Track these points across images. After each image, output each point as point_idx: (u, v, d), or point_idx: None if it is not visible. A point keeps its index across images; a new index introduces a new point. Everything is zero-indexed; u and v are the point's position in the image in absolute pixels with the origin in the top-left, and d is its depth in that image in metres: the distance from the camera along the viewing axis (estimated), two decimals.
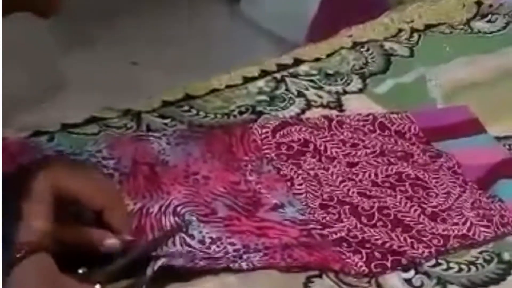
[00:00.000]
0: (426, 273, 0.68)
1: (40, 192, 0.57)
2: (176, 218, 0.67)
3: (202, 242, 0.66)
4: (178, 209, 0.68)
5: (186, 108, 0.81)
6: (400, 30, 0.98)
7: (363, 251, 0.68)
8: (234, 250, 0.66)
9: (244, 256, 0.65)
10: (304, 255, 0.66)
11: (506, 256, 0.70)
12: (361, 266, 0.67)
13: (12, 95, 1.32)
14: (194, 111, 0.81)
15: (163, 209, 0.68)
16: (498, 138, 0.84)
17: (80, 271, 0.60)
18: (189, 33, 2.05)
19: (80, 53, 1.90)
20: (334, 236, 0.69)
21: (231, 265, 0.64)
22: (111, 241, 0.60)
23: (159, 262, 0.61)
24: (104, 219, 0.61)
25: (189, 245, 0.66)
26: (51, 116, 0.80)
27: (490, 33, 1.01)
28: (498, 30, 1.01)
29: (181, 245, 0.65)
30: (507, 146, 0.84)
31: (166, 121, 0.79)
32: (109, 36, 1.98)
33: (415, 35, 0.97)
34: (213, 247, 0.66)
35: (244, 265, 0.64)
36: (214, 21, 2.11)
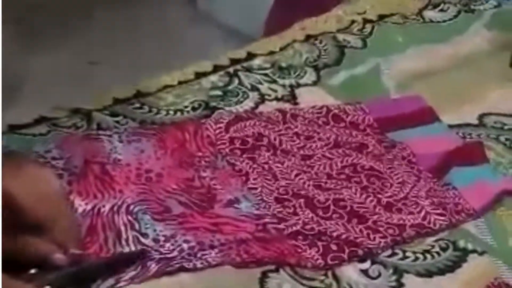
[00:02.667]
0: (382, 263, 0.68)
1: None
2: (138, 244, 0.64)
3: (156, 240, 0.65)
4: (131, 207, 0.67)
5: (137, 105, 0.80)
6: (353, 22, 0.98)
7: (319, 244, 0.67)
8: (189, 248, 0.65)
9: (199, 254, 0.64)
10: (260, 250, 0.66)
11: (461, 244, 0.71)
12: (317, 259, 0.66)
13: None
14: (146, 108, 0.80)
15: (115, 208, 0.67)
16: (452, 126, 0.85)
17: (32, 271, 0.58)
18: (147, 30, 2.03)
19: (37, 53, 1.86)
20: (290, 230, 0.68)
21: (185, 264, 0.63)
22: (59, 257, 0.59)
23: (106, 284, 0.60)
24: (48, 231, 0.59)
25: (143, 244, 0.64)
26: (5, 118, 0.78)
27: (443, 22, 1.01)
28: (450, 19, 1.02)
29: (135, 244, 0.64)
30: (461, 134, 0.84)
31: (117, 119, 0.77)
32: (66, 36, 1.95)
33: (368, 26, 0.98)
34: (167, 245, 0.65)
35: (198, 263, 0.63)
36: (172, 17, 2.10)
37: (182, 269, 0.63)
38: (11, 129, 0.74)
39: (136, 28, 2.02)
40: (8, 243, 0.55)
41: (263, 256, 0.65)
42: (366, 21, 0.98)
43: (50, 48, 1.90)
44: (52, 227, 0.59)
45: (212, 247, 0.65)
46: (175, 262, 0.63)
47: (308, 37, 0.95)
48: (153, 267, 0.63)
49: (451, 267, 0.68)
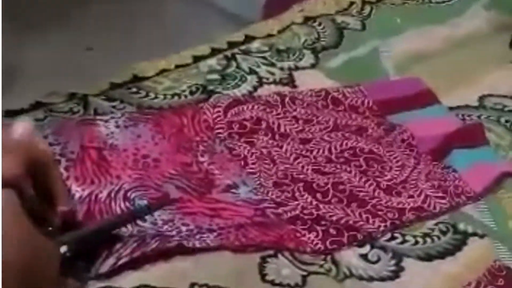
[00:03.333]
0: (382, 248, 0.67)
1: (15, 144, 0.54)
2: (135, 227, 0.64)
3: (154, 223, 0.64)
4: (129, 193, 0.66)
5: (134, 90, 0.79)
6: (351, 3, 0.97)
7: (318, 228, 0.67)
8: (187, 230, 0.64)
9: (197, 236, 0.64)
10: (259, 235, 0.65)
11: (461, 227, 0.70)
12: (316, 244, 0.66)
13: None
14: (143, 93, 0.79)
15: (113, 194, 0.66)
16: (451, 108, 0.84)
17: (50, 228, 0.58)
18: (143, 15, 2.02)
19: (33, 40, 1.85)
20: (289, 215, 0.68)
21: (184, 242, 0.62)
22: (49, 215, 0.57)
23: (107, 265, 0.60)
24: (39, 187, 0.57)
25: (141, 227, 0.64)
26: (3, 104, 0.78)
27: (442, 2, 1.00)
28: (449, 0, 1.01)
29: (132, 228, 0.64)
30: (461, 116, 0.84)
31: (114, 103, 0.77)
32: (62, 22, 1.94)
33: (367, 8, 0.97)
34: (165, 227, 0.64)
35: (197, 243, 0.63)
36: (170, 2, 2.08)
37: (181, 247, 0.62)
38: (7, 114, 0.73)
39: (133, 13, 2.01)
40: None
41: (262, 241, 0.65)
42: (365, 2, 0.97)
43: (46, 36, 1.89)
44: (43, 184, 0.57)
45: (210, 230, 0.64)
46: (174, 239, 0.63)
47: (306, 19, 0.94)
48: (153, 242, 0.62)
49: (452, 250, 0.68)
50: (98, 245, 0.61)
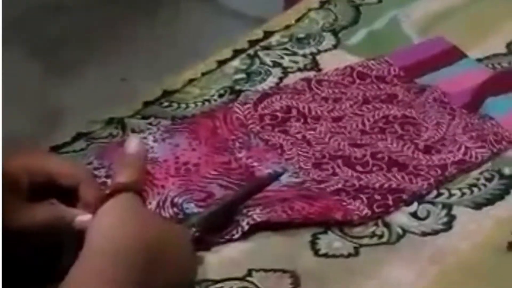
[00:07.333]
0: (430, 202, 0.67)
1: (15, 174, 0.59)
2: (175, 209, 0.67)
3: None
4: (175, 199, 0.69)
5: (166, 104, 0.82)
6: None
7: (363, 196, 0.68)
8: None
9: (244, 211, 0.65)
10: (305, 206, 0.66)
11: (506, 171, 0.70)
12: (363, 210, 0.66)
13: (7, 133, 1.35)
14: (175, 105, 0.81)
15: (161, 203, 0.69)
16: (480, 60, 0.84)
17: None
18: (165, 31, 2.05)
19: (69, 82, 1.91)
20: (332, 188, 0.69)
21: (234, 232, 0.65)
22: (84, 218, 0.59)
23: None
24: (79, 194, 0.61)
25: None
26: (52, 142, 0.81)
27: None
28: None
29: None
30: (491, 66, 0.83)
31: (149, 120, 0.79)
32: (93, 58, 1.99)
33: None
34: None
35: (245, 224, 0.64)
36: (193, 21, 2.12)
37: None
38: (52, 149, 0.77)
39: (160, 37, 2.05)
40: (42, 214, 0.59)
41: (308, 213, 0.66)
42: None
43: (80, 73, 1.94)
44: (83, 191, 0.61)
45: (257, 204, 0.66)
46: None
47: (322, 4, 0.95)
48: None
49: (500, 195, 0.68)
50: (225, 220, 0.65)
